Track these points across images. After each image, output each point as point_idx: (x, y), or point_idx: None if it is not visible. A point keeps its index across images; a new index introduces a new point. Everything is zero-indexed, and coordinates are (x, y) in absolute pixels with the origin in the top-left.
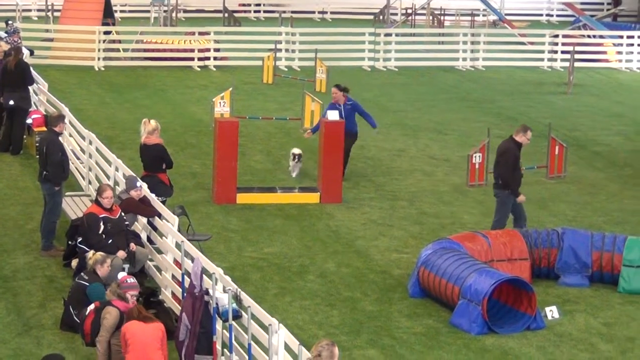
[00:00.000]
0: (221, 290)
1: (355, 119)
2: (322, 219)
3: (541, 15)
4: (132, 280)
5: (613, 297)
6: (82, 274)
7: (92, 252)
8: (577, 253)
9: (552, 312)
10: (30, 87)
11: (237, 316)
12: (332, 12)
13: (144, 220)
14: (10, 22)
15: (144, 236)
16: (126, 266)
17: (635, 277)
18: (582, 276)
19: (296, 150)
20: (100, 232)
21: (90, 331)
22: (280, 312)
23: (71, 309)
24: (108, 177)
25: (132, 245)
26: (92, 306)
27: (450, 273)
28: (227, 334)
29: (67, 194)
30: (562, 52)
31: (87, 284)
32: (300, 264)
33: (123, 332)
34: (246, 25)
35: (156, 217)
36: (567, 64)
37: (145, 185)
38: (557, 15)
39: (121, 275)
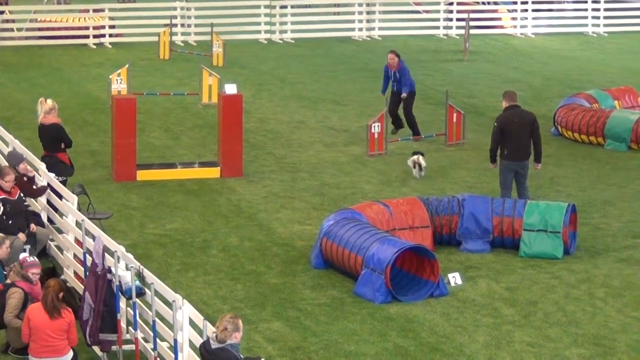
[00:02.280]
0: (124, 268)
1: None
2: (223, 194)
3: None
4: (32, 259)
5: (514, 261)
6: None
7: None
8: (478, 219)
9: (454, 278)
10: None
11: (140, 293)
12: None
13: (43, 200)
14: None
15: (44, 216)
16: (27, 247)
17: (536, 241)
18: (484, 242)
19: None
20: (0, 213)
21: None
22: (184, 288)
23: None
24: None
25: (33, 226)
26: None
27: (352, 243)
28: (132, 312)
29: None
30: (457, 19)
31: None
32: (203, 239)
33: (27, 316)
34: (141, 1)
35: (56, 197)
36: (462, 31)
37: (44, 165)
38: None
39: (21, 256)
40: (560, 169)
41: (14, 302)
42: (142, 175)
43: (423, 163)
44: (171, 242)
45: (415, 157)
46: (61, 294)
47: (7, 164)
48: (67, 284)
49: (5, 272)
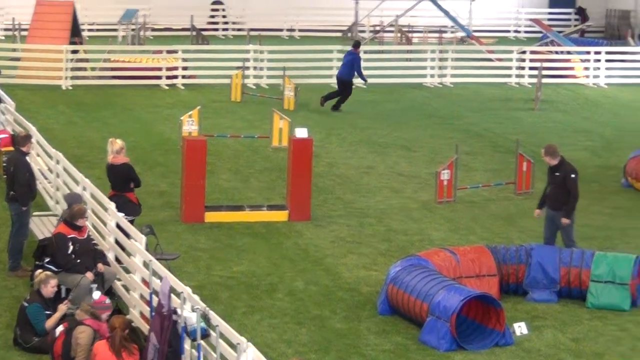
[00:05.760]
0: (189, 309)
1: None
2: (291, 237)
3: (509, 31)
4: (108, 301)
5: (581, 312)
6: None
7: (38, 271)
8: (545, 269)
9: (520, 328)
10: None
11: (205, 335)
12: (300, 30)
13: (111, 239)
14: None
15: (112, 255)
16: (94, 286)
17: (603, 292)
18: (551, 292)
19: None
20: (69, 252)
21: (62, 352)
22: (249, 330)
23: (18, 330)
24: None
25: (100, 266)
26: (61, 327)
27: (419, 290)
28: (196, 353)
29: (34, 214)
30: (530, 68)
31: (27, 304)
32: (269, 282)
33: (94, 352)
34: (214, 44)
35: (124, 237)
36: (534, 80)
37: (113, 205)
38: (525, 32)
39: (98, 295)
40: (630, 221)
41: (84, 342)
42: (211, 217)
43: None
44: (237, 285)
45: None
46: (127, 331)
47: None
48: (133, 324)
49: (49, 312)
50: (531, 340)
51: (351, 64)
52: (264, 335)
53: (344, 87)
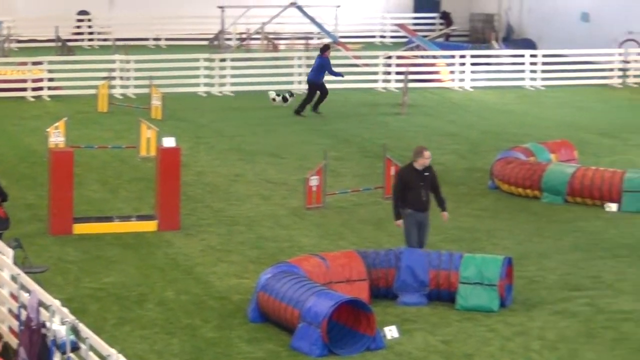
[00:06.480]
0: (59, 323)
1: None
2: (161, 247)
3: (374, 37)
4: None
5: (451, 314)
6: None
7: None
8: (415, 272)
9: (391, 331)
10: None
11: (75, 348)
12: (166, 39)
13: None
14: None
15: None
16: None
17: (472, 294)
18: (420, 295)
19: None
20: None
21: None
22: (120, 342)
23: None
24: None
25: None
26: None
27: (289, 296)
28: None
29: None
30: (396, 73)
31: None
32: (139, 293)
33: None
34: (80, 54)
35: None
36: (401, 84)
37: None
38: (391, 37)
39: None
40: (497, 222)
41: None
42: (79, 228)
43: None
44: (107, 296)
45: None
46: None
47: None
48: (3, 340)
49: None
50: (402, 343)
51: (319, 68)
52: (135, 346)
53: (315, 89)
